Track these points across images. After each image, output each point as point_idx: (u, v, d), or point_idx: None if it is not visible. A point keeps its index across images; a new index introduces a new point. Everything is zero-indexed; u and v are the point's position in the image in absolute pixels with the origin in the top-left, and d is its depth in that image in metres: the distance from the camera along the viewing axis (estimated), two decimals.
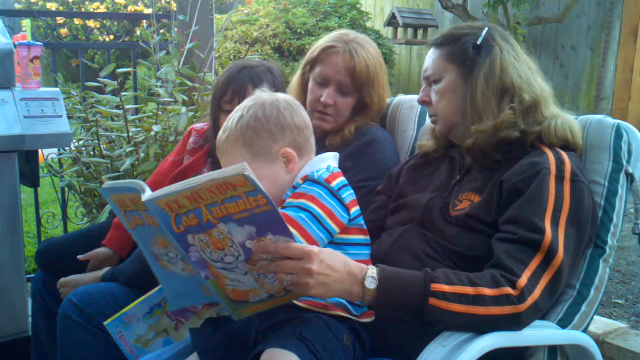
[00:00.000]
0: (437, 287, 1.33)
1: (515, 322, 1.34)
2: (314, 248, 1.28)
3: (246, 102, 1.52)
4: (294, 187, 1.47)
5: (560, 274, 1.38)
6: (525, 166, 1.47)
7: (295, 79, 2.11)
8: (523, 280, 1.34)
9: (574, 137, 1.56)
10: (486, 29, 1.62)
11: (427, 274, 1.36)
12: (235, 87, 1.92)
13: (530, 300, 1.33)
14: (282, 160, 1.47)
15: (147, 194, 1.22)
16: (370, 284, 1.32)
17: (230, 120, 1.50)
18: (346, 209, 1.46)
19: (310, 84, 2.04)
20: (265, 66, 1.95)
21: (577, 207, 1.43)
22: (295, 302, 1.41)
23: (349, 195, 1.48)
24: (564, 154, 1.49)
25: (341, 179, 1.49)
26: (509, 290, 1.33)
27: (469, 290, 1.33)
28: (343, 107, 1.99)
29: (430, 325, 1.35)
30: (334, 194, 1.44)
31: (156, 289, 1.79)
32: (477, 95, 1.57)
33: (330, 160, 1.54)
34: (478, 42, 1.60)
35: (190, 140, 2.07)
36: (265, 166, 1.46)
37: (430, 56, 1.69)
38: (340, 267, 1.30)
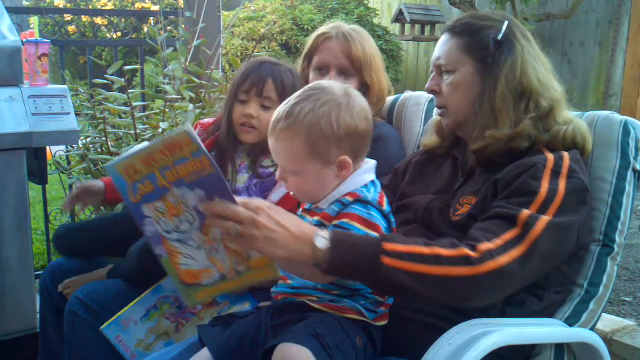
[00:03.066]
0: (390, 246, 1.28)
1: (474, 287, 1.28)
2: (264, 204, 1.27)
3: (319, 94, 1.40)
4: (342, 203, 1.41)
5: (536, 251, 1.32)
6: (518, 164, 1.45)
7: None
8: (487, 245, 1.29)
9: (584, 143, 1.53)
10: (507, 22, 1.56)
11: (382, 235, 1.33)
12: (255, 78, 1.88)
13: (492, 264, 1.27)
14: (336, 166, 1.40)
15: (110, 161, 1.26)
16: (321, 243, 1.26)
17: (299, 108, 1.38)
18: (392, 232, 1.46)
19: (311, 77, 2.05)
20: (286, 66, 1.95)
21: (570, 201, 1.39)
22: (310, 303, 1.41)
23: (391, 215, 1.47)
24: (565, 153, 1.46)
25: (386, 199, 1.46)
26: (467, 251, 1.28)
27: (424, 250, 1.28)
28: None
29: (387, 287, 1.31)
30: (386, 218, 1.43)
31: (150, 290, 1.80)
32: (497, 97, 1.52)
33: (370, 172, 1.47)
34: (499, 38, 1.54)
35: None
36: (318, 167, 1.40)
37: (445, 44, 1.62)
38: (291, 226, 1.26)
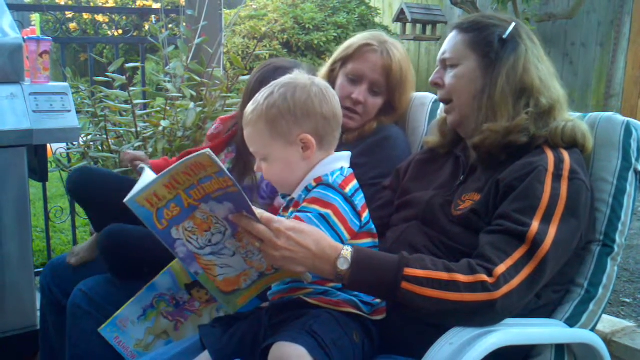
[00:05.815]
0: (410, 271, 1.32)
1: (489, 311, 1.31)
2: (285, 226, 1.29)
3: (281, 80, 1.50)
4: (307, 190, 1.45)
5: (544, 268, 1.34)
6: (520, 165, 1.46)
7: (321, 75, 2.07)
8: (501, 268, 1.32)
9: (584, 140, 1.53)
10: (514, 24, 1.59)
11: (403, 258, 1.35)
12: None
13: (505, 288, 1.30)
14: (300, 146, 1.45)
15: (128, 195, 1.24)
16: (343, 265, 1.31)
17: (261, 94, 1.49)
18: (358, 215, 1.46)
19: (339, 81, 2.03)
20: (298, 68, 1.94)
21: (573, 205, 1.40)
22: (306, 299, 1.42)
23: (360, 200, 1.48)
24: (565, 153, 1.47)
25: (354, 184, 1.48)
26: (484, 277, 1.30)
27: (443, 275, 1.32)
28: (372, 107, 1.99)
29: (404, 308, 1.34)
30: (348, 200, 1.44)
31: (143, 289, 1.79)
32: (497, 92, 1.54)
33: (343, 160, 1.52)
34: (504, 36, 1.57)
35: (213, 126, 2.06)
36: (282, 147, 1.46)
37: (452, 39, 1.65)
38: (312, 245, 1.30)
